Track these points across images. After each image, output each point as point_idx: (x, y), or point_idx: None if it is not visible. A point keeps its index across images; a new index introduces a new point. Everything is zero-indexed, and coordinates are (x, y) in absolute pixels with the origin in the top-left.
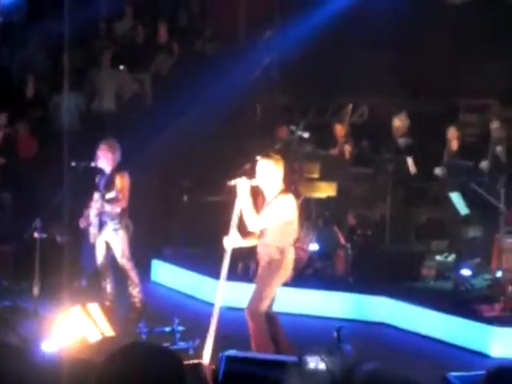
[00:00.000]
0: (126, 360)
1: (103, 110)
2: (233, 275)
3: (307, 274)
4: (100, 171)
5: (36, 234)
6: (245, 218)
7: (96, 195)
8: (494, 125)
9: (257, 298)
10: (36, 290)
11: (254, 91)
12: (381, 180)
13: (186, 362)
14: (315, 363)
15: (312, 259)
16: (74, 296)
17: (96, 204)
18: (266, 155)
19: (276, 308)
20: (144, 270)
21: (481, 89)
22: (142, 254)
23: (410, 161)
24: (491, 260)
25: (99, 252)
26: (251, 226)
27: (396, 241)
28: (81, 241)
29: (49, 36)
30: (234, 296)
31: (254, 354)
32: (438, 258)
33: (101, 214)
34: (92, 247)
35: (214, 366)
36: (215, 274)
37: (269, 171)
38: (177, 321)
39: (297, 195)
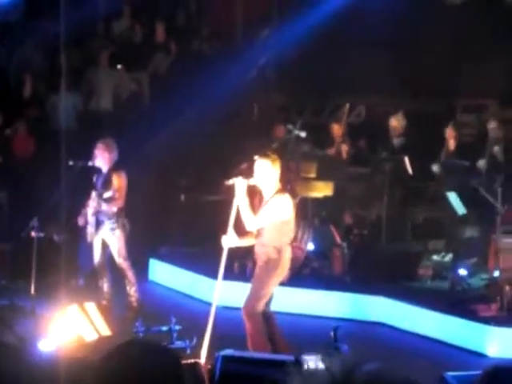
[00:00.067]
0: (123, 358)
1: (100, 110)
2: (230, 274)
3: (304, 274)
4: (97, 170)
5: (33, 233)
6: (242, 217)
7: (93, 194)
8: (492, 125)
9: (254, 297)
10: (33, 289)
11: (251, 91)
12: (377, 180)
13: (183, 362)
14: (314, 363)
15: (309, 259)
16: (70, 295)
17: (93, 203)
18: (264, 155)
19: (273, 307)
20: (141, 269)
21: (480, 89)
22: (139, 253)
23: (407, 161)
24: (488, 260)
25: (96, 251)
26: (248, 225)
27: (393, 240)
28: (78, 240)
29: (46, 36)
30: (230, 295)
31: (250, 353)
32: (435, 257)
33: (98, 213)
34: (89, 246)
35: (210, 366)
36: (212, 274)
37: (266, 171)
38: (174, 320)
39: (293, 195)
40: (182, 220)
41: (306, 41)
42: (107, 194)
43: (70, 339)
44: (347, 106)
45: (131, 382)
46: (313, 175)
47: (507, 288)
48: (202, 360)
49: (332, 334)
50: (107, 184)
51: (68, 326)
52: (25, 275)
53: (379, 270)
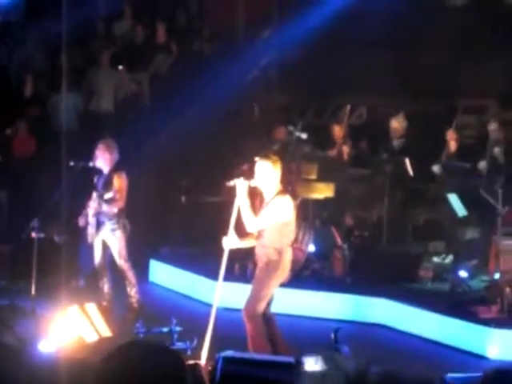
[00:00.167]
0: (123, 360)
1: (101, 110)
2: (230, 276)
3: (305, 275)
4: (98, 171)
5: (34, 234)
6: (243, 218)
7: (94, 195)
8: (492, 126)
9: (254, 298)
10: (33, 290)
11: (252, 91)
12: (378, 181)
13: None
14: (314, 364)
15: (310, 260)
16: (71, 296)
17: (94, 204)
18: (265, 156)
19: (273, 309)
20: (142, 270)
21: (480, 89)
22: (139, 254)
23: (407, 162)
24: (489, 262)
25: (97, 252)
26: (249, 226)
27: (393, 242)
28: (78, 241)
29: (47, 35)
30: (231, 297)
31: (251, 354)
32: (436, 259)
33: (98, 213)
34: (90, 247)
35: (210, 367)
36: (213, 275)
37: (267, 172)
38: (174, 321)
39: (294, 196)
40: (183, 221)
41: (308, 41)
42: (108, 195)
43: (71, 340)
44: (348, 107)
45: (132, 383)
46: (314, 177)
47: (508, 290)
48: (203, 361)
49: (333, 335)
50: (108, 185)
51: (68, 327)
52: (25, 276)
53: (380, 272)
